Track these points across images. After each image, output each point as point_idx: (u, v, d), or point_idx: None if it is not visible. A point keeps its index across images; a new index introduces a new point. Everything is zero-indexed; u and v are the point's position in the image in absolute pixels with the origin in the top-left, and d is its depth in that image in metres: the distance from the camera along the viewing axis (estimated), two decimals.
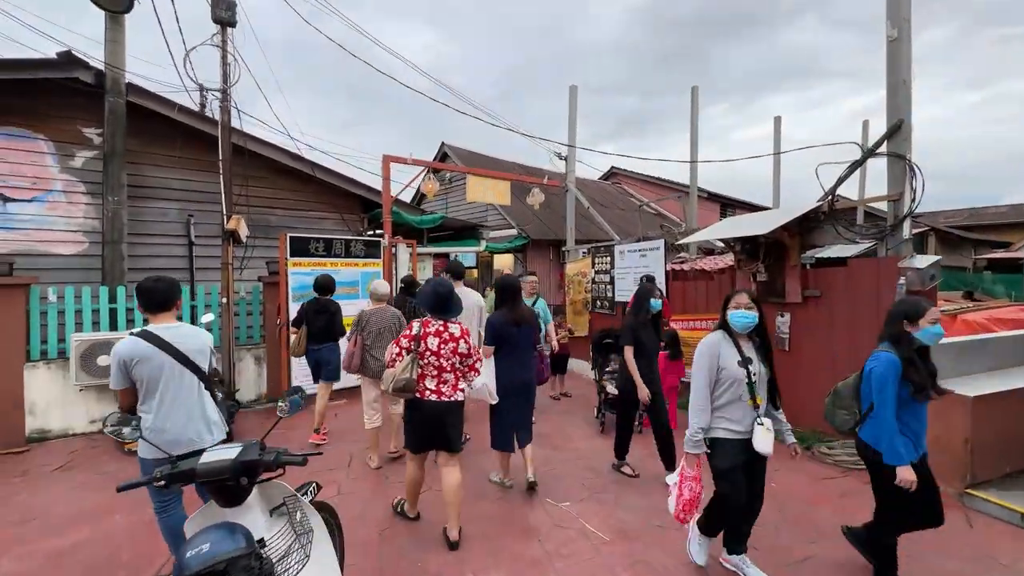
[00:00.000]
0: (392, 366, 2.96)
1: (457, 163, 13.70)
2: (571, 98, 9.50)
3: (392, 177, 7.34)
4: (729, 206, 19.23)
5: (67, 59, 5.50)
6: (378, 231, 8.43)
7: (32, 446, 4.94)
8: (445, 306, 3.03)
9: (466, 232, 9.98)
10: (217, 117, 5.99)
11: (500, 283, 3.71)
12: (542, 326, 5.24)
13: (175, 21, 6.66)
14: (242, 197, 6.80)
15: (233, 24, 6.01)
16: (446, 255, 9.87)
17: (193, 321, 5.72)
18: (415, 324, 3.00)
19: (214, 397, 2.69)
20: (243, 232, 6.05)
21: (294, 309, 5.78)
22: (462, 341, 2.99)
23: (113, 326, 5.57)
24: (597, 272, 8.33)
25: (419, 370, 2.94)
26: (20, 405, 4.99)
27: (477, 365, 3.09)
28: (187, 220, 6.56)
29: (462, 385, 3.07)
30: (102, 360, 5.08)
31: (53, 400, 5.15)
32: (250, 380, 6.28)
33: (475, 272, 14.06)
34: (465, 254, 11.00)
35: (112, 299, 5.59)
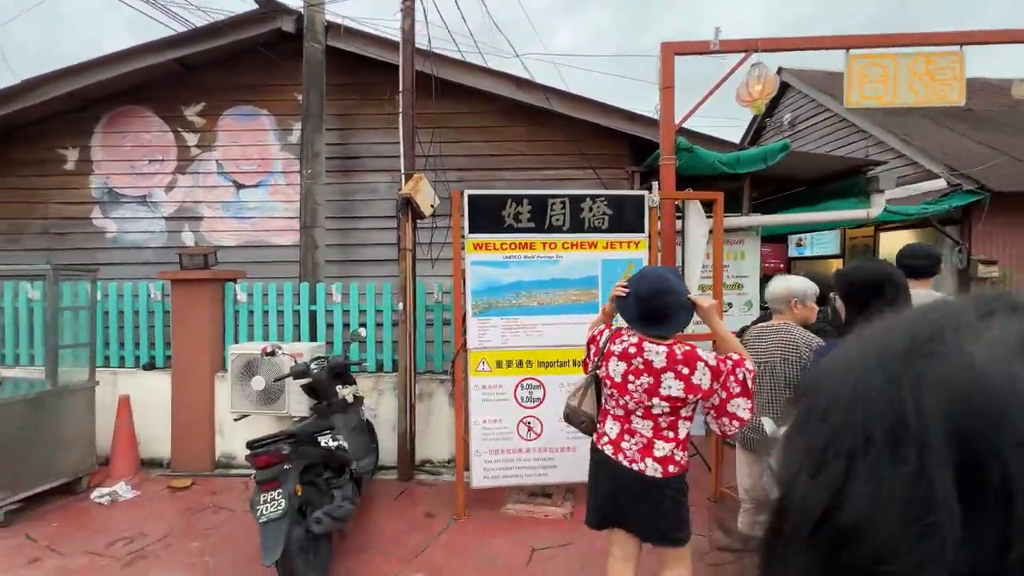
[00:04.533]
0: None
1: (806, 94, 8.59)
2: None
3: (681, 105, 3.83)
4: None
5: (266, 4, 4.53)
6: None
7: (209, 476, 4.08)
8: (646, 311, 1.79)
9: (836, 185, 5.27)
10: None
11: (848, 277, 1.86)
12: None
13: None
14: (437, 156, 4.70)
15: None
16: (787, 234, 5.44)
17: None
18: (605, 332, 1.92)
19: None
20: (427, 200, 3.86)
21: (475, 326, 3.17)
22: (670, 375, 1.69)
23: (312, 334, 4.34)
24: None
25: (601, 403, 1.92)
26: (209, 422, 4.26)
27: (741, 413, 1.71)
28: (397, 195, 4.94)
29: (665, 450, 1.73)
30: (256, 382, 3.76)
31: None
32: (441, 428, 4.08)
33: (838, 263, 8.59)
34: (836, 224, 6.10)
35: (299, 299, 4.38)
